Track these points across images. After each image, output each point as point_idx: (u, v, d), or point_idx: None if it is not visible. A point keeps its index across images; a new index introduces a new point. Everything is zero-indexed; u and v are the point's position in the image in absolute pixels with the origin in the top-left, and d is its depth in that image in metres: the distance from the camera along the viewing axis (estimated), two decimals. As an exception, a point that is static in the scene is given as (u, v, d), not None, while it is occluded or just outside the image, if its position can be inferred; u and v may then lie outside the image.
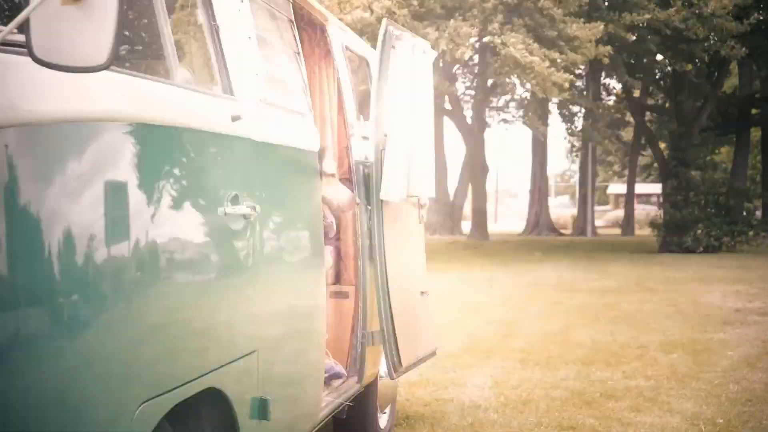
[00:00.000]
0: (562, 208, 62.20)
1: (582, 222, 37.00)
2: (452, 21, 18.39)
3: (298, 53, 3.49)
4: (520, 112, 38.07)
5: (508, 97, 35.82)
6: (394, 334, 4.24)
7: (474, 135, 31.84)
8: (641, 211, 43.83)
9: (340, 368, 4.23)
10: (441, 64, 20.05)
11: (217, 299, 2.56)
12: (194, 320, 2.41)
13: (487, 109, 36.67)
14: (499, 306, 11.42)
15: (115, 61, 1.83)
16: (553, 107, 32.29)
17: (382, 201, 4.32)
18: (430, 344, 4.86)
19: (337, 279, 4.45)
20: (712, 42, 21.83)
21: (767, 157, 33.10)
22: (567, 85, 18.58)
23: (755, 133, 35.55)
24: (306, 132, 3.43)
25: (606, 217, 49.77)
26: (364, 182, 4.38)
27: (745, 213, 24.31)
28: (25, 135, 1.90)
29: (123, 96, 2.21)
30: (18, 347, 1.83)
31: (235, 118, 2.69)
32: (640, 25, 21.13)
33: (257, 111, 2.92)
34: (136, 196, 2.18)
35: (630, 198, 36.43)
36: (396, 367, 4.25)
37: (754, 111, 31.89)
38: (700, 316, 10.25)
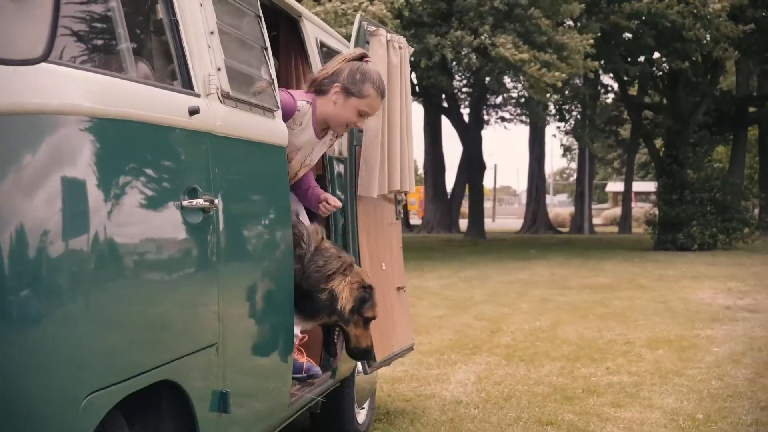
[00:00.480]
0: (561, 206, 62.29)
1: (579, 220, 37.02)
2: (457, 32, 18.27)
3: (266, 48, 3.49)
4: (518, 110, 38.21)
5: (506, 94, 35.90)
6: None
7: (471, 133, 31.88)
8: (640, 209, 43.86)
9: (317, 369, 4.23)
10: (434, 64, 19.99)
11: (173, 292, 2.57)
12: (147, 313, 2.42)
13: (484, 107, 36.76)
14: (489, 303, 11.43)
15: (52, 53, 1.85)
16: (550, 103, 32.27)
17: (356, 196, 4.34)
18: (407, 339, 4.87)
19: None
20: (705, 42, 21.88)
21: (764, 155, 33.12)
22: (560, 84, 18.60)
23: (753, 132, 35.61)
24: (273, 128, 3.43)
25: (604, 215, 49.81)
26: (338, 177, 4.39)
27: (744, 211, 24.32)
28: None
29: (77, 90, 2.22)
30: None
31: (192, 112, 2.69)
32: (634, 17, 21.22)
33: (219, 106, 2.93)
34: (89, 188, 2.20)
35: (627, 196, 36.43)
36: (369, 361, 4.26)
37: (751, 109, 31.93)
38: (690, 313, 10.27)
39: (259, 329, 3.20)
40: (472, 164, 31.79)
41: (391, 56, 4.48)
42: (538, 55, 17.76)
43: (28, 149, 2.07)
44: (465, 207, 40.75)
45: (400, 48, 4.61)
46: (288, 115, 3.79)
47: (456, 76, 32.13)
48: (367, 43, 4.43)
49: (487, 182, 70.81)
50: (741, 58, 26.80)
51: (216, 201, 2.77)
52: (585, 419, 5.45)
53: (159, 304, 2.49)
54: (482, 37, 18.53)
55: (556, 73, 17.72)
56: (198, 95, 2.83)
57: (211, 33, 2.98)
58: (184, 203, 2.62)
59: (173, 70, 2.83)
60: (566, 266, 17.34)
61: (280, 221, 3.42)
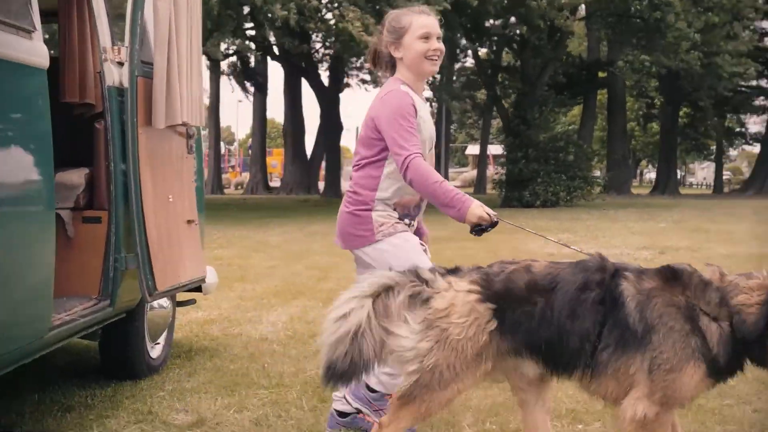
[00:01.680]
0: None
1: (437, 181, 37.60)
2: None
3: (20, -34, 3.43)
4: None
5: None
6: (149, 259, 4.25)
7: (329, 94, 31.92)
8: (497, 171, 45.02)
9: None
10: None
11: None
12: None
13: (345, 69, 36.80)
14: (326, 254, 11.54)
15: None
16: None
17: (137, 127, 4.31)
18: (197, 272, 4.89)
19: (90, 204, 4.42)
20: (545, 10, 22.56)
21: (612, 118, 34.52)
22: None
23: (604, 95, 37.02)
24: (28, 48, 3.38)
25: (462, 177, 50.83)
26: (119, 107, 4.35)
27: (587, 171, 25.28)
28: None
29: None
30: None
31: None
32: None
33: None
34: None
35: (483, 158, 37.30)
36: (150, 290, 4.26)
37: (601, 74, 33.15)
38: (515, 260, 10.63)
39: (3, 248, 3.16)
40: (330, 126, 31.90)
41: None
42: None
43: None
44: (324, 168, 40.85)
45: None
46: (414, 109, 3.64)
47: (314, 37, 32.08)
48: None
49: (351, 145, 71.28)
50: (588, 24, 27.75)
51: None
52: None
53: None
54: (333, 8, 18.53)
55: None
56: None
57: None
58: None
59: None
60: (412, 222, 17.63)
61: (32, 139, 3.37)
